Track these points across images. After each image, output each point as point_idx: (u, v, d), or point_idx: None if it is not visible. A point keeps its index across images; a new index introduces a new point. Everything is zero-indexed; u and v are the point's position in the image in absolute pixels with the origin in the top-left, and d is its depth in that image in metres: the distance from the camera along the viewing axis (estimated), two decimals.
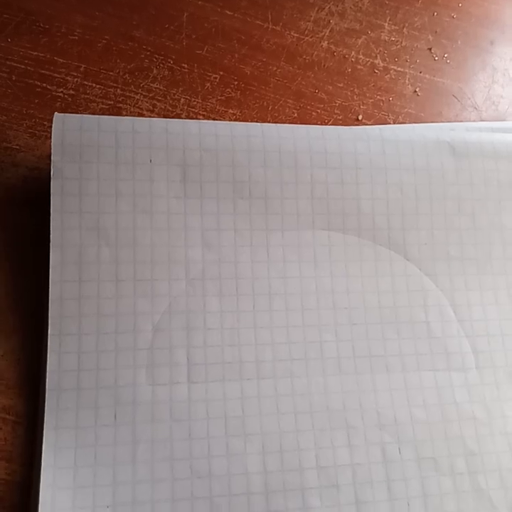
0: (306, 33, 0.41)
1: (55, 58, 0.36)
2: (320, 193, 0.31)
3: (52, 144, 0.29)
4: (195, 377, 0.28)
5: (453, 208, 0.33)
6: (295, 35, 0.41)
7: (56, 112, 0.30)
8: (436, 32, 0.43)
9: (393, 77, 0.41)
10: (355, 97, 0.40)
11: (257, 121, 0.37)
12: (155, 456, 0.26)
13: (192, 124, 0.31)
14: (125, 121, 0.30)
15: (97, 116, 0.30)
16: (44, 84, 0.35)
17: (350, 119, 0.39)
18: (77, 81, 0.36)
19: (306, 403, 0.29)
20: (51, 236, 0.28)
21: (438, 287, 0.32)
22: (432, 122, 0.40)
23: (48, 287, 0.28)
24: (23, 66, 0.36)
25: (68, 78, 0.36)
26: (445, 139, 0.34)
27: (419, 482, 0.28)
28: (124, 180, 0.29)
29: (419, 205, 0.32)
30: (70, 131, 0.29)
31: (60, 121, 0.29)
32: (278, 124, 0.32)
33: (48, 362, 0.27)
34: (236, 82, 0.38)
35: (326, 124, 0.38)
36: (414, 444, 0.29)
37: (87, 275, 0.28)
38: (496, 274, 0.33)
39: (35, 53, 0.36)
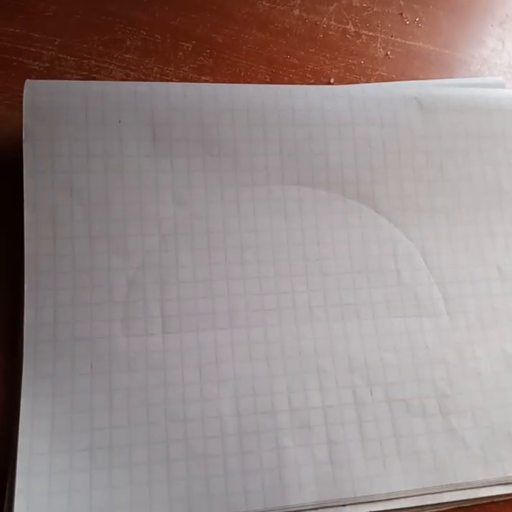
0: (277, 1, 0.42)
1: (31, 34, 0.37)
2: (288, 150, 0.32)
3: (23, 108, 0.29)
4: (170, 328, 0.29)
5: (421, 160, 0.34)
6: (266, 4, 0.41)
7: (27, 80, 0.31)
8: None
9: (365, 41, 0.42)
10: (327, 61, 0.40)
11: None
12: (131, 402, 0.27)
13: (160, 86, 0.31)
14: (94, 84, 0.31)
15: (66, 80, 0.31)
16: (20, 59, 0.36)
17: (322, 82, 0.39)
18: (52, 54, 0.37)
19: (279, 349, 0.29)
20: (25, 196, 0.29)
21: (408, 237, 0.32)
22: None
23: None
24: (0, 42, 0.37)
25: (43, 52, 0.37)
26: (412, 95, 0.34)
27: (391, 423, 0.29)
28: (95, 140, 0.30)
29: (387, 158, 0.33)
30: (40, 95, 0.30)
31: (31, 86, 0.30)
32: (245, 84, 0.33)
33: (24, 316, 0.27)
34: (208, 51, 0.39)
35: None
36: (385, 387, 0.30)
37: (61, 233, 0.29)
38: (465, 223, 0.33)
39: (12, 29, 0.37)
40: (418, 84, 0.37)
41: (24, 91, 0.30)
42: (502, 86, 0.37)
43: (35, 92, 0.30)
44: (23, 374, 0.27)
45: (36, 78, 0.36)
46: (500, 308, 0.32)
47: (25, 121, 0.29)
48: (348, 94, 0.33)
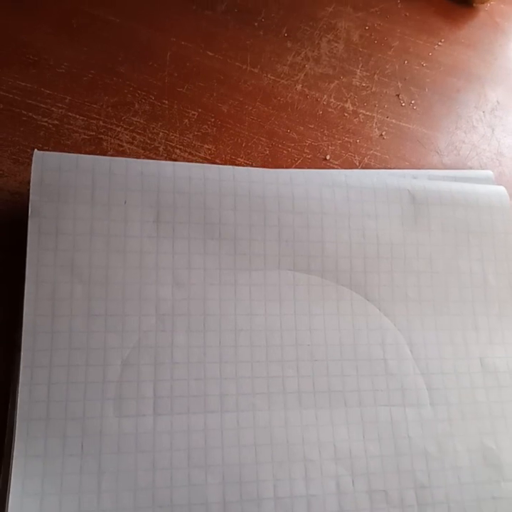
0: (282, 75, 0.43)
1: (42, 89, 0.38)
2: (286, 236, 0.33)
3: (31, 182, 0.30)
4: (161, 409, 0.29)
5: (412, 252, 0.35)
6: (271, 77, 0.43)
7: (36, 150, 0.31)
8: (405, 79, 0.46)
9: (361, 120, 0.43)
10: (324, 137, 0.42)
11: (231, 157, 0.39)
12: (119, 485, 0.28)
13: (167, 166, 0.32)
14: (102, 162, 0.31)
15: (76, 155, 0.31)
16: (30, 114, 0.37)
17: (318, 158, 0.41)
18: (61, 112, 0.38)
19: (267, 436, 0.30)
20: (27, 272, 0.29)
21: (396, 327, 0.34)
22: (396, 165, 0.42)
23: (22, 318, 0.29)
24: (11, 95, 0.37)
25: (53, 109, 0.37)
26: (406, 187, 0.36)
27: None
28: (99, 220, 0.30)
29: (379, 249, 0.34)
30: (48, 171, 0.30)
31: (40, 159, 0.30)
32: (249, 168, 0.34)
33: (19, 393, 0.28)
34: (213, 120, 0.40)
35: (296, 162, 0.40)
36: (367, 477, 0.30)
37: (59, 310, 0.29)
38: (451, 315, 0.35)
39: (23, 84, 0.38)
40: (412, 174, 0.38)
41: (33, 164, 0.30)
42: (491, 180, 0.39)
43: (44, 166, 0.30)
44: (15, 452, 0.27)
45: (45, 135, 0.36)
46: (481, 400, 0.33)
47: (33, 197, 0.30)
48: (346, 184, 0.35)
